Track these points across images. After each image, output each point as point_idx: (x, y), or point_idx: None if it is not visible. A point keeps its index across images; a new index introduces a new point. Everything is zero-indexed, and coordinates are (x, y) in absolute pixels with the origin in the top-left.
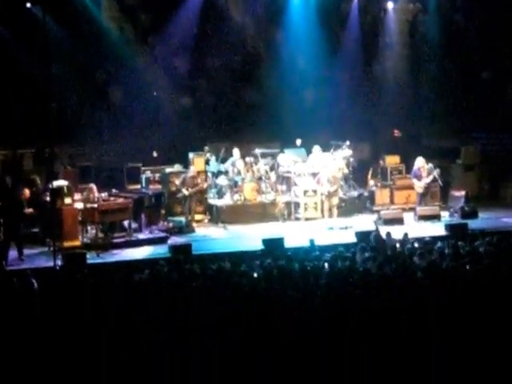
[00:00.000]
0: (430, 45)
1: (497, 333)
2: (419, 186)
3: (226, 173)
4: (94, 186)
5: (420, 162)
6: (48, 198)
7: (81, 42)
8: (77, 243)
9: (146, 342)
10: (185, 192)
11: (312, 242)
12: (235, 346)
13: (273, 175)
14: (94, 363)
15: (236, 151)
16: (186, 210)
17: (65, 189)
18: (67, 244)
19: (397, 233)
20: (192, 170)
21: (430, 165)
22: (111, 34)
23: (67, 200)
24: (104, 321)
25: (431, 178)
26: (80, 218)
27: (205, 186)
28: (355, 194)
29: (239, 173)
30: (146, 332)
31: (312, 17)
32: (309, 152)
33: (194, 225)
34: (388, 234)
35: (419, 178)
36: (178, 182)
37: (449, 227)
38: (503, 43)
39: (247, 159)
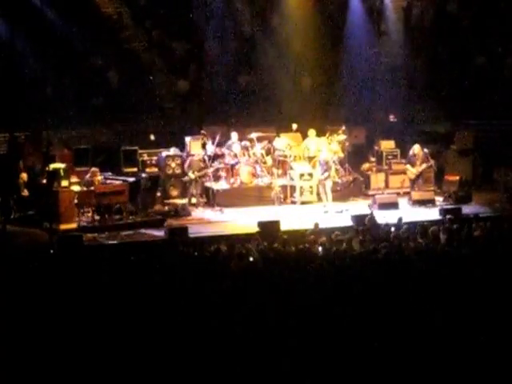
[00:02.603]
0: (424, 31)
1: (491, 317)
2: (412, 172)
3: (223, 156)
4: (96, 170)
5: (416, 150)
6: (44, 181)
7: (77, 26)
8: (73, 226)
9: (143, 326)
10: (191, 175)
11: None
12: (232, 328)
13: (269, 159)
14: (91, 346)
15: (234, 135)
16: (189, 193)
17: (61, 171)
18: (63, 226)
19: (392, 217)
20: (197, 154)
21: (426, 150)
22: (107, 16)
23: (64, 182)
24: (98, 302)
25: (424, 166)
26: (76, 201)
27: (210, 170)
28: (350, 178)
29: (235, 156)
30: (142, 315)
31: (308, 1)
32: (304, 136)
33: (191, 208)
34: (383, 218)
35: (413, 164)
36: (185, 165)
37: (443, 212)
38: (497, 29)
39: (243, 143)
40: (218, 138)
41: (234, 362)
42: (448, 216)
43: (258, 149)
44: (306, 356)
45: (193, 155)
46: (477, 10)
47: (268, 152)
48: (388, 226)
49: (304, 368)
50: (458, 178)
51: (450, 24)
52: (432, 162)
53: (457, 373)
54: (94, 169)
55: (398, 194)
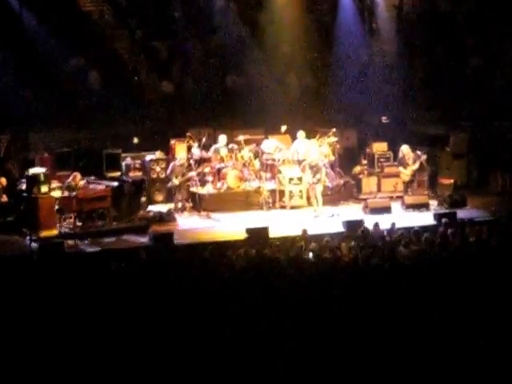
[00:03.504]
0: (417, 29)
1: (488, 322)
2: (406, 173)
3: (209, 159)
4: (78, 174)
5: (404, 150)
6: (24, 187)
7: (57, 25)
8: (54, 232)
9: (124, 336)
10: (175, 181)
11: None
12: (217, 339)
13: (257, 162)
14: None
15: (223, 137)
16: (175, 198)
17: (41, 176)
18: (44, 234)
19: (384, 222)
20: (180, 158)
21: (418, 152)
22: (89, 15)
23: (44, 188)
24: (79, 312)
25: (417, 165)
26: (57, 207)
27: (194, 174)
28: (341, 181)
29: (222, 160)
30: (123, 325)
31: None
32: (294, 139)
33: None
34: (375, 223)
35: (405, 165)
36: (168, 171)
37: (437, 216)
38: (492, 29)
39: (230, 146)
40: (204, 140)
41: (223, 371)
42: (443, 220)
43: (246, 152)
44: (299, 360)
45: (175, 160)
46: (471, 8)
47: (256, 155)
48: (381, 231)
49: (297, 372)
50: (452, 181)
51: (444, 22)
52: (424, 157)
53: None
54: (75, 173)
55: (391, 198)
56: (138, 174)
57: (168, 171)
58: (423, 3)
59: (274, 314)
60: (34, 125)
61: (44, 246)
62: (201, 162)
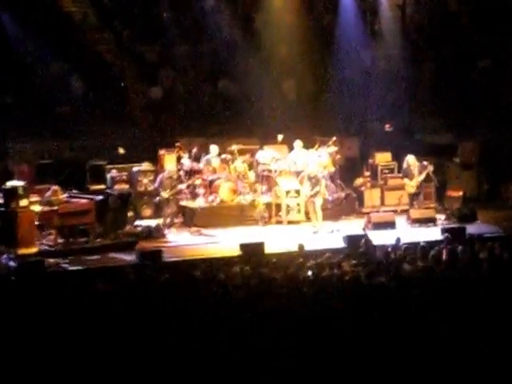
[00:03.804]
0: (422, 31)
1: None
2: (411, 185)
3: (200, 171)
4: (58, 188)
5: (410, 161)
6: (1, 200)
7: (37, 27)
8: (33, 250)
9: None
10: (164, 195)
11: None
12: (210, 363)
13: (251, 174)
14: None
15: (214, 148)
16: (164, 213)
17: (20, 190)
18: (23, 251)
19: (388, 237)
20: (168, 170)
21: (424, 162)
22: (73, 19)
23: (23, 202)
24: (61, 336)
25: (424, 175)
26: (37, 223)
27: (184, 186)
28: (342, 194)
29: (214, 171)
30: (109, 349)
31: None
32: (291, 148)
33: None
34: (378, 239)
35: (410, 177)
36: (156, 184)
37: (445, 231)
38: (502, 28)
39: (223, 156)
40: (194, 150)
41: None
42: (445, 235)
43: (240, 162)
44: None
45: (163, 171)
46: (478, 7)
47: (251, 166)
48: (384, 247)
49: None
50: (461, 193)
51: (451, 22)
52: (431, 168)
53: None
54: (54, 187)
55: (395, 211)
56: (124, 186)
57: (156, 184)
58: (428, 2)
59: (270, 336)
60: (12, 133)
61: (23, 265)
62: (191, 173)
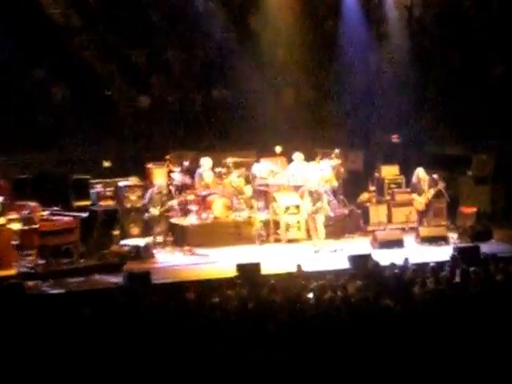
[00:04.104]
0: (431, 34)
1: None
2: (420, 201)
3: (192, 186)
4: (37, 205)
5: (420, 174)
6: None
7: (16, 31)
8: (12, 272)
9: None
10: (154, 211)
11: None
12: None
13: (247, 189)
14: None
15: (206, 161)
16: (154, 231)
17: None
18: (0, 273)
19: (396, 257)
20: (158, 185)
21: (434, 176)
22: (52, 20)
23: (0, 220)
24: (43, 363)
25: (434, 191)
26: (16, 242)
27: (175, 202)
28: (346, 211)
29: (207, 186)
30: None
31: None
32: (290, 161)
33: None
34: (384, 259)
35: (420, 192)
36: (145, 200)
37: (457, 251)
38: None
39: (217, 170)
40: (186, 164)
41: None
42: (453, 254)
43: (235, 177)
44: None
45: (153, 186)
46: (492, 9)
47: (247, 180)
48: (392, 268)
49: None
50: (475, 210)
51: (462, 25)
52: (442, 185)
53: None
54: (34, 203)
55: (403, 229)
56: (110, 203)
57: (145, 199)
58: (438, 3)
59: (269, 363)
60: None
61: (0, 288)
62: (183, 188)
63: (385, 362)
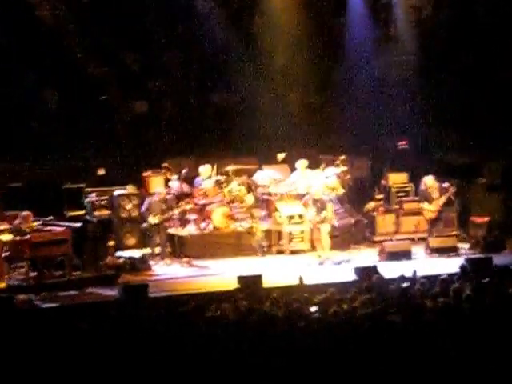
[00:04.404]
0: (442, 36)
1: None
2: (430, 210)
3: (191, 195)
4: (29, 214)
5: (429, 182)
6: None
7: (5, 32)
8: (1, 285)
9: None
10: (152, 221)
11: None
12: None
13: (249, 198)
14: None
15: (206, 168)
16: (152, 242)
17: None
18: None
19: (404, 269)
20: (158, 192)
21: (445, 184)
22: (43, 21)
23: None
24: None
25: (444, 199)
26: (6, 254)
27: (176, 211)
28: (352, 220)
29: (206, 195)
30: None
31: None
32: (293, 169)
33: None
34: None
35: (429, 200)
36: (143, 208)
37: (469, 262)
38: None
39: (217, 178)
40: (184, 171)
41: None
42: (462, 265)
43: (236, 185)
44: None
45: (152, 194)
46: (505, 9)
47: (248, 189)
48: (399, 281)
49: None
50: (486, 219)
51: (473, 27)
52: (452, 190)
53: None
54: (24, 213)
55: (412, 240)
56: (105, 212)
57: (143, 208)
58: (448, 4)
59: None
60: None
61: None
62: (181, 197)
63: (391, 377)
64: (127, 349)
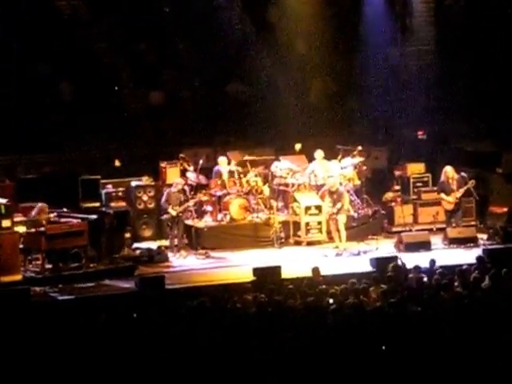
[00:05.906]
0: (461, 25)
1: None
2: (448, 201)
3: (208, 186)
4: (45, 206)
5: (448, 172)
6: None
7: (22, 25)
8: (17, 277)
9: None
10: (172, 212)
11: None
12: None
13: (266, 189)
14: None
15: (223, 159)
16: (171, 234)
17: (1, 208)
18: (5, 278)
19: (422, 260)
20: (176, 183)
21: (463, 174)
22: (60, 14)
23: (5, 223)
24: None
25: (463, 190)
26: (22, 246)
27: (191, 203)
28: (369, 211)
29: (224, 186)
30: None
31: None
32: (310, 159)
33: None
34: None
35: (448, 191)
36: (162, 199)
37: (487, 253)
38: None
39: (233, 169)
40: (201, 162)
41: None
42: (479, 255)
43: (252, 176)
44: None
45: (170, 185)
46: None
47: (265, 180)
48: (417, 271)
49: None
50: (505, 209)
51: (492, 15)
52: (471, 181)
53: None
54: (41, 204)
55: (431, 230)
56: (121, 204)
57: (162, 199)
58: None
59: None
60: None
61: (5, 295)
62: (197, 188)
63: (411, 368)
64: (143, 342)
